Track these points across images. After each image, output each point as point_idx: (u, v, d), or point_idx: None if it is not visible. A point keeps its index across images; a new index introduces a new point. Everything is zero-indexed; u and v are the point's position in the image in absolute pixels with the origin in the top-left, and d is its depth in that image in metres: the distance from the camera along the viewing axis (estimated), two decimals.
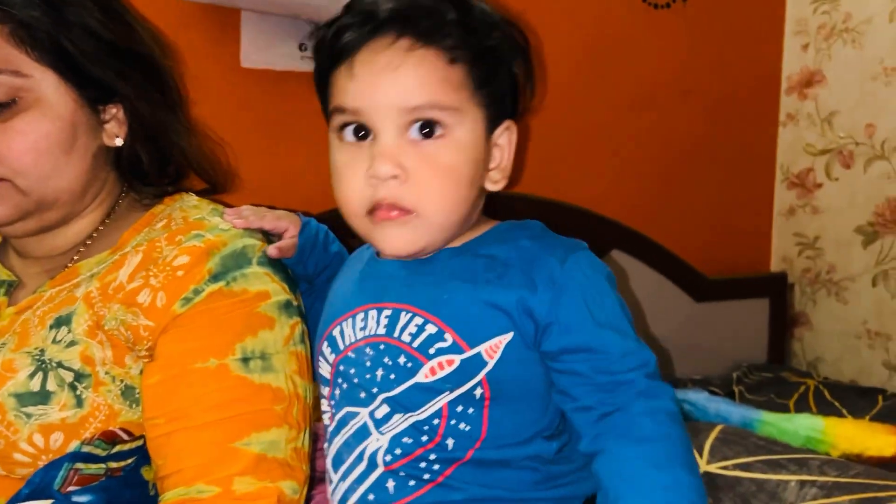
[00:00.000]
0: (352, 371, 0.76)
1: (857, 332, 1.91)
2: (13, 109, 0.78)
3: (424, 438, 0.72)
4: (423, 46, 0.72)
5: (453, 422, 0.71)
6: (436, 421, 0.72)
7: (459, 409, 0.71)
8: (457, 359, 0.71)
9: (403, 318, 0.74)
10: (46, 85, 0.80)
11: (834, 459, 1.22)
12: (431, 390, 0.72)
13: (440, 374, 0.71)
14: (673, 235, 1.86)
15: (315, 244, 0.89)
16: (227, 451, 0.74)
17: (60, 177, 0.81)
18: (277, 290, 0.82)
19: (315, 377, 0.84)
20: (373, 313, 0.76)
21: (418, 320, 0.73)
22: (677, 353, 1.83)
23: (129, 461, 0.76)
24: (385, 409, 0.74)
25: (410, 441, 0.72)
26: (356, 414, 0.76)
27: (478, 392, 0.71)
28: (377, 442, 0.74)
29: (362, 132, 0.73)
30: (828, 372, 1.97)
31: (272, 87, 1.42)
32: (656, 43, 1.83)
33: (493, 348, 0.71)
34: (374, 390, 0.74)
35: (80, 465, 0.73)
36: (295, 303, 0.84)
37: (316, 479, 0.85)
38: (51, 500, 0.69)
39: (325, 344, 0.81)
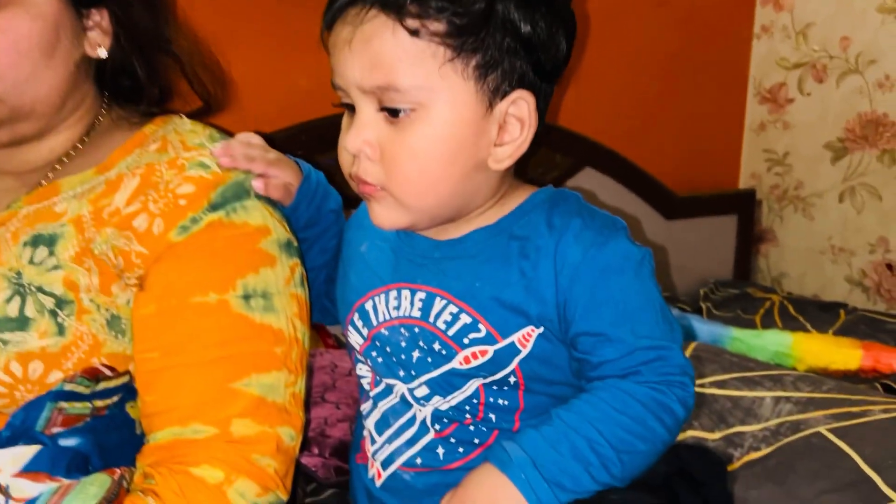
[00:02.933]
0: (387, 349, 0.75)
1: (822, 247, 1.94)
2: None
3: (467, 416, 0.73)
4: (385, 18, 0.65)
5: (491, 400, 0.72)
6: (475, 400, 0.72)
7: (495, 388, 0.72)
8: (490, 349, 0.71)
9: (438, 304, 0.72)
10: None
11: (808, 375, 1.24)
12: (467, 376, 0.72)
13: (475, 363, 0.71)
14: (643, 152, 1.83)
15: (312, 199, 0.84)
16: (226, 391, 0.71)
17: (39, 83, 0.74)
18: (277, 227, 0.78)
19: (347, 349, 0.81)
20: (406, 293, 0.74)
21: (453, 308, 0.71)
22: None
23: (114, 399, 0.72)
24: (425, 389, 0.74)
25: (453, 415, 0.73)
26: (394, 386, 0.76)
27: (511, 379, 0.71)
28: (422, 412, 0.74)
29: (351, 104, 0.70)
30: (791, 287, 2.00)
31: None
32: None
33: (525, 338, 0.70)
34: (413, 372, 0.74)
35: (63, 405, 0.68)
36: (294, 243, 0.80)
37: (309, 425, 0.83)
38: (38, 446, 0.66)
39: (357, 316, 0.78)
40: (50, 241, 0.74)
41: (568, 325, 0.70)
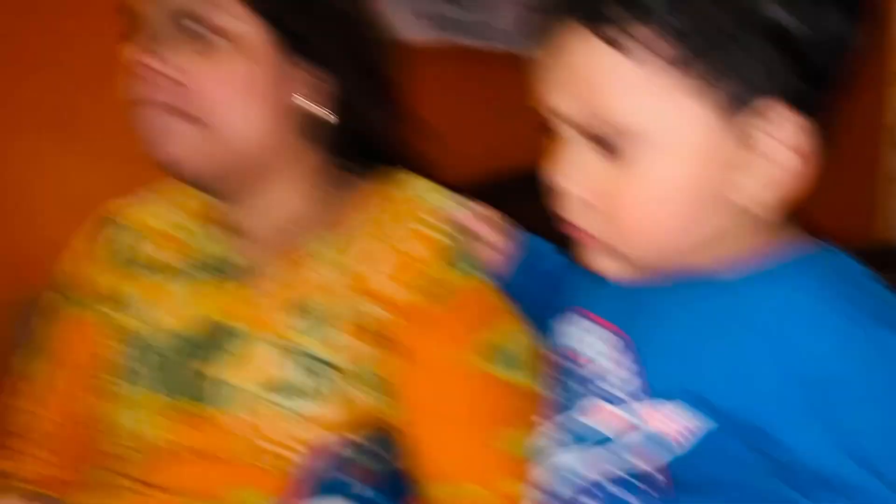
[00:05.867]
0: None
1: None
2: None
3: None
4: (588, 32, 0.53)
5: None
6: None
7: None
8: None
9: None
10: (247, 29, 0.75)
11: None
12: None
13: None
14: None
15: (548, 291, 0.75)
16: (489, 452, 0.74)
17: (249, 124, 0.76)
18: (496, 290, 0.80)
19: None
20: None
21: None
22: None
23: (394, 453, 0.76)
24: None
25: None
26: None
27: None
28: None
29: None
30: None
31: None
32: None
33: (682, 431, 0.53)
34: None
35: (359, 460, 0.72)
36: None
37: None
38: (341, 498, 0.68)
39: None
40: (322, 316, 0.77)
41: (784, 453, 0.50)
